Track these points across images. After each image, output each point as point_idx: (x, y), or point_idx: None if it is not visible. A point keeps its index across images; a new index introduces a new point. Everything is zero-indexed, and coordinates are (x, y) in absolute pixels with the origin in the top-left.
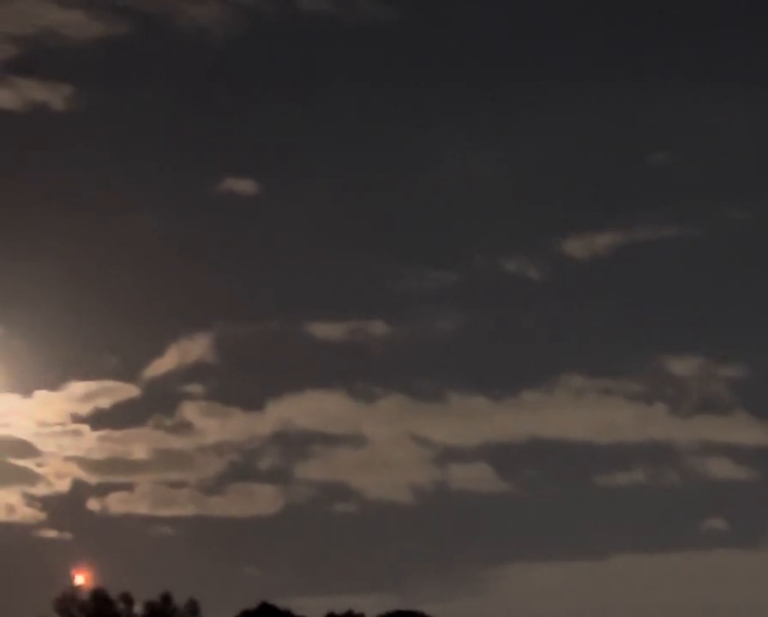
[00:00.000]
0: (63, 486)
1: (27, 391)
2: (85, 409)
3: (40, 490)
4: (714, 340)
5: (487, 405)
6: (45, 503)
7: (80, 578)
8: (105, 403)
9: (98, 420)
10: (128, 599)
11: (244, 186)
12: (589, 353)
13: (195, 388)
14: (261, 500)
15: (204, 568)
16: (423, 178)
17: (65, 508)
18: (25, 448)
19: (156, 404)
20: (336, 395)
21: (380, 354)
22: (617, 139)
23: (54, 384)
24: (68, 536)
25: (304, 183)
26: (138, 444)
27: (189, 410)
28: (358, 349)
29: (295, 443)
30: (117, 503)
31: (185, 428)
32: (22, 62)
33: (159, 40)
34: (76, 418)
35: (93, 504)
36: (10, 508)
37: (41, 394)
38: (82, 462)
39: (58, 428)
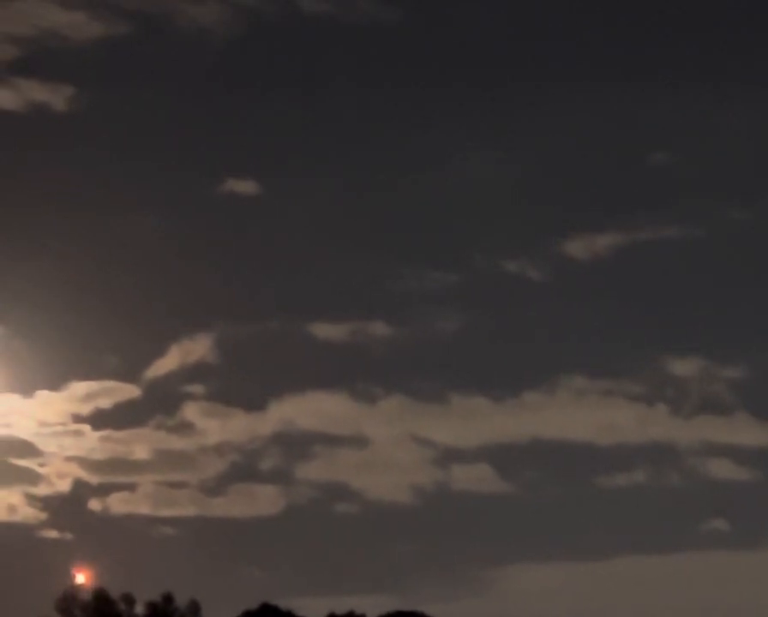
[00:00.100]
0: (65, 486)
1: (28, 391)
2: (86, 409)
3: (42, 490)
4: (715, 341)
5: (488, 406)
6: (47, 503)
7: (80, 578)
8: (106, 403)
9: (99, 420)
10: (129, 599)
11: (245, 186)
12: (589, 354)
13: (197, 389)
14: (263, 500)
15: (205, 568)
16: (423, 178)
17: (66, 508)
18: (26, 448)
19: (157, 405)
20: (337, 396)
21: (381, 354)
22: (617, 139)
23: (55, 384)
24: (69, 536)
25: (305, 184)
26: (139, 444)
27: (191, 411)
28: (359, 349)
29: (296, 444)
30: (118, 503)
31: (186, 428)
32: (23, 62)
33: (160, 41)
34: (77, 418)
35: (94, 504)
36: (12, 508)
37: (42, 394)
38: (83, 462)
39: (59, 428)
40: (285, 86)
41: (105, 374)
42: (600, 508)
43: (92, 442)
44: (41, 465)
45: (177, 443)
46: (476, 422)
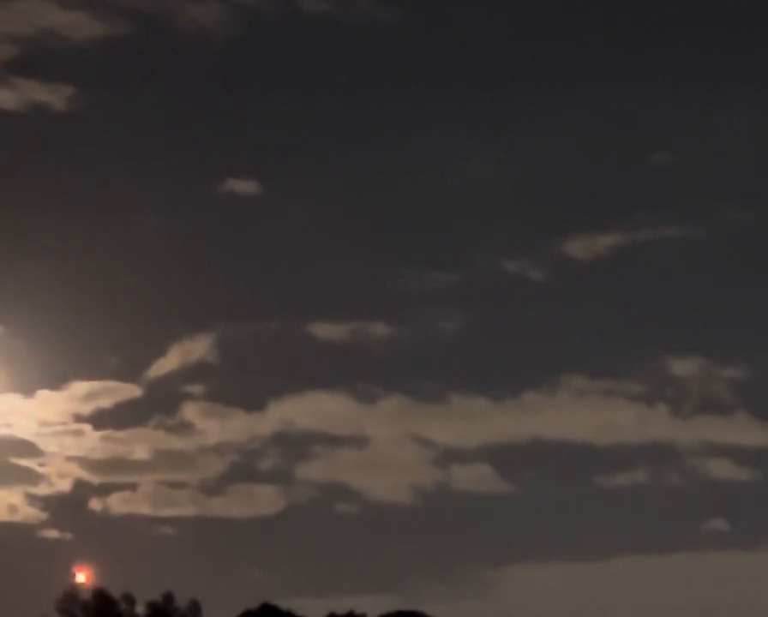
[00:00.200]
0: (65, 486)
1: (29, 391)
2: (87, 409)
3: (42, 490)
4: (715, 341)
5: (488, 406)
6: (47, 503)
7: (81, 577)
8: (106, 403)
9: (99, 420)
10: (129, 599)
11: (246, 186)
12: (590, 354)
13: (197, 389)
14: (262, 500)
15: (205, 568)
16: (423, 178)
17: (67, 508)
18: (27, 448)
19: (157, 405)
20: (337, 396)
21: (381, 354)
22: (617, 139)
23: (56, 384)
24: (69, 535)
25: (305, 183)
26: (140, 444)
27: (191, 411)
28: (359, 349)
29: (296, 444)
30: (118, 503)
31: (187, 428)
32: (23, 62)
33: (160, 41)
34: (78, 418)
35: (94, 504)
36: (12, 508)
37: (43, 394)
38: (84, 462)
39: (60, 428)
40: (285, 86)
41: (106, 374)
42: (600, 508)
43: (92, 442)
44: (42, 465)
45: (177, 443)
46: (476, 422)
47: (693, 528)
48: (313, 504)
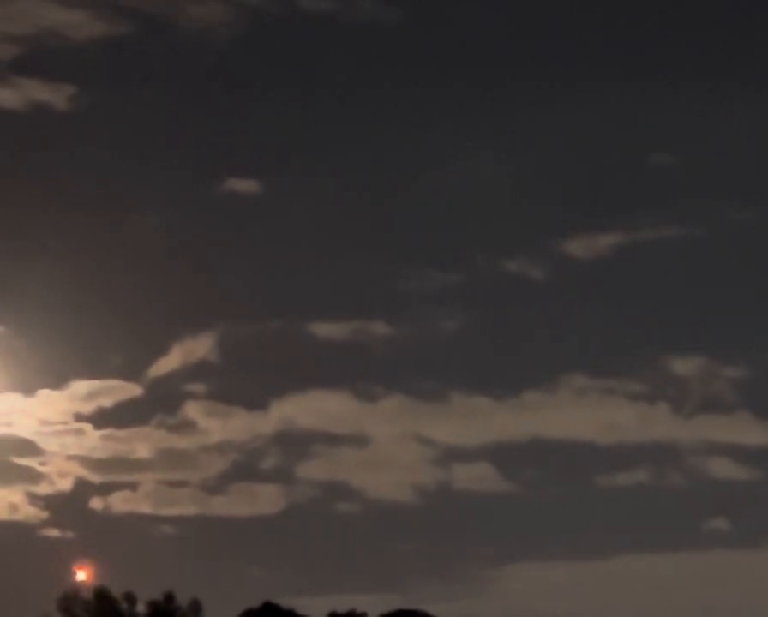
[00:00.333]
0: (66, 485)
1: (29, 390)
2: (88, 408)
3: (43, 489)
4: (716, 340)
5: (489, 405)
6: (48, 502)
7: (82, 576)
8: (107, 402)
9: (101, 419)
10: (130, 598)
11: (247, 186)
12: (591, 353)
13: (198, 388)
14: (264, 499)
15: (207, 568)
16: (423, 178)
17: (68, 507)
18: (28, 447)
19: (159, 404)
20: (338, 395)
21: (382, 354)
22: (618, 139)
23: (57, 383)
24: (70, 534)
25: (306, 183)
26: (141, 443)
27: (192, 410)
28: (360, 349)
29: (297, 443)
30: (119, 502)
31: (188, 427)
32: (24, 61)
33: (161, 40)
34: (79, 417)
35: (95, 503)
36: (13, 507)
37: (44, 393)
38: (85, 461)
39: (61, 427)
40: (285, 86)
41: (107, 373)
42: (601, 507)
43: (93, 441)
44: (42, 464)
45: (178, 442)
46: (476, 421)
47: (694, 527)
48: (314, 503)
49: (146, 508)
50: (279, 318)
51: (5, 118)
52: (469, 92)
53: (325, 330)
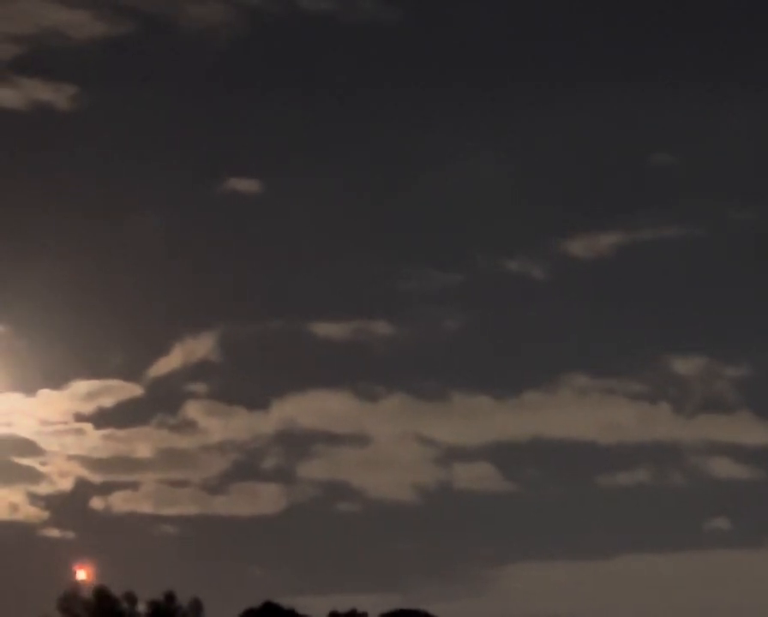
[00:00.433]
0: (67, 485)
1: (30, 390)
2: (88, 408)
3: (43, 489)
4: (717, 340)
5: (490, 405)
6: (49, 502)
7: (82, 576)
8: (108, 402)
9: (101, 419)
10: (131, 598)
11: (248, 185)
12: (592, 353)
13: (199, 387)
14: (265, 499)
15: (207, 567)
16: (423, 178)
17: (68, 507)
18: (28, 447)
19: (160, 403)
20: (339, 395)
21: (382, 353)
22: (618, 139)
23: (57, 383)
24: (71, 534)
25: (306, 183)
26: (142, 443)
27: (193, 409)
28: (361, 348)
29: (298, 442)
30: (120, 502)
31: (189, 427)
32: (26, 61)
33: (162, 40)
34: (80, 417)
35: (96, 503)
36: (14, 507)
37: (45, 393)
38: (86, 461)
39: (62, 427)
40: (285, 86)
41: (108, 373)
42: (602, 507)
43: (94, 441)
44: (43, 464)
45: (179, 442)
46: (477, 420)
47: (695, 527)
48: (315, 502)
49: (146, 508)
50: (280, 318)
51: (6, 118)
52: (469, 92)
53: (325, 330)
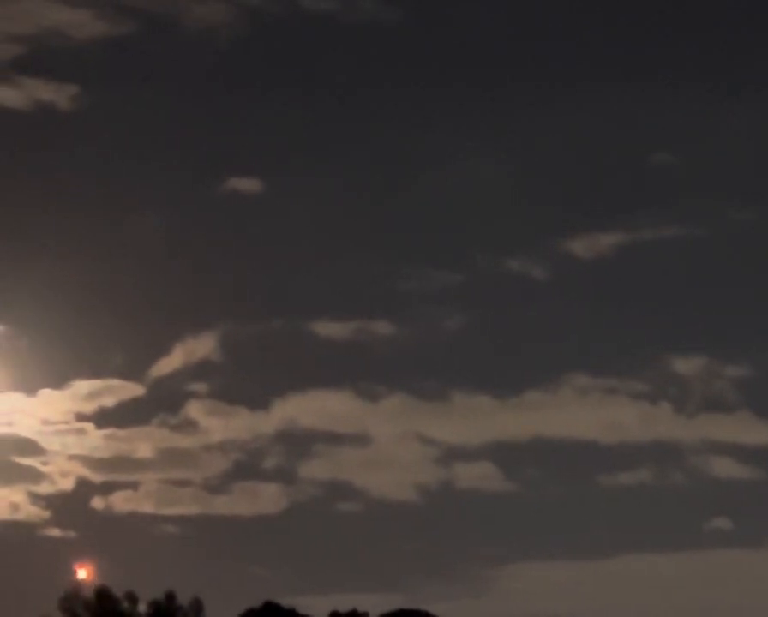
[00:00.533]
0: (68, 484)
1: (31, 389)
2: (89, 407)
3: (44, 489)
4: (717, 340)
5: (491, 405)
6: (50, 501)
7: (83, 576)
8: (109, 401)
9: (102, 418)
10: (132, 597)
11: (248, 185)
12: (592, 352)
13: (200, 387)
14: (266, 498)
15: (208, 567)
16: (424, 178)
17: (69, 507)
18: (29, 447)
19: (161, 403)
20: (340, 394)
21: (383, 353)
22: (618, 139)
23: (59, 382)
24: (72, 534)
25: (306, 183)
26: (143, 443)
27: (194, 409)
28: (362, 348)
29: (299, 442)
30: (121, 502)
31: (190, 426)
32: (28, 61)
33: (164, 40)
34: (81, 417)
35: (97, 502)
36: (14, 506)
37: (46, 393)
38: (87, 460)
39: (63, 427)
40: (285, 86)
41: (109, 373)
42: (603, 507)
43: (95, 441)
44: (44, 464)
45: (180, 441)
46: (478, 420)
47: (696, 526)
48: (316, 502)
49: (147, 508)
50: (281, 317)
51: (7, 117)
52: (469, 92)
53: (326, 329)
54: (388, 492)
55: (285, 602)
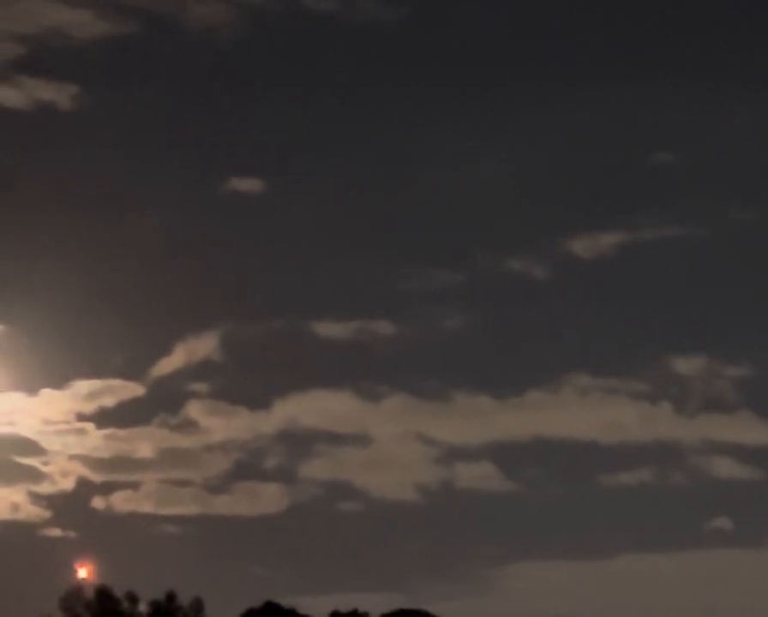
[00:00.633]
0: (68, 484)
1: (32, 389)
2: (90, 407)
3: (45, 488)
4: (718, 340)
5: (491, 405)
6: (50, 501)
7: (83, 575)
8: (110, 401)
9: (103, 418)
10: (132, 597)
11: (250, 185)
12: (593, 352)
13: (201, 387)
14: (266, 498)
15: (209, 567)
16: (424, 178)
17: (70, 506)
18: (30, 446)
19: (161, 403)
20: (341, 394)
21: (384, 353)
22: (619, 139)
23: (59, 382)
24: (72, 534)
25: (308, 183)
26: (143, 442)
27: (195, 409)
28: (363, 348)
29: (300, 442)
30: (121, 502)
31: (191, 426)
32: (28, 61)
33: (165, 40)
34: (81, 417)
35: (97, 502)
36: (15, 506)
37: (46, 392)
38: (87, 460)
39: (63, 427)
40: (286, 86)
41: (110, 373)
42: (603, 507)
43: (95, 440)
44: (45, 464)
45: (181, 441)
46: (479, 420)
47: (696, 526)
48: (317, 502)
49: (148, 508)
50: (282, 317)
51: (8, 117)
52: (469, 92)
53: (327, 329)
54: (389, 492)
55: (286, 601)
